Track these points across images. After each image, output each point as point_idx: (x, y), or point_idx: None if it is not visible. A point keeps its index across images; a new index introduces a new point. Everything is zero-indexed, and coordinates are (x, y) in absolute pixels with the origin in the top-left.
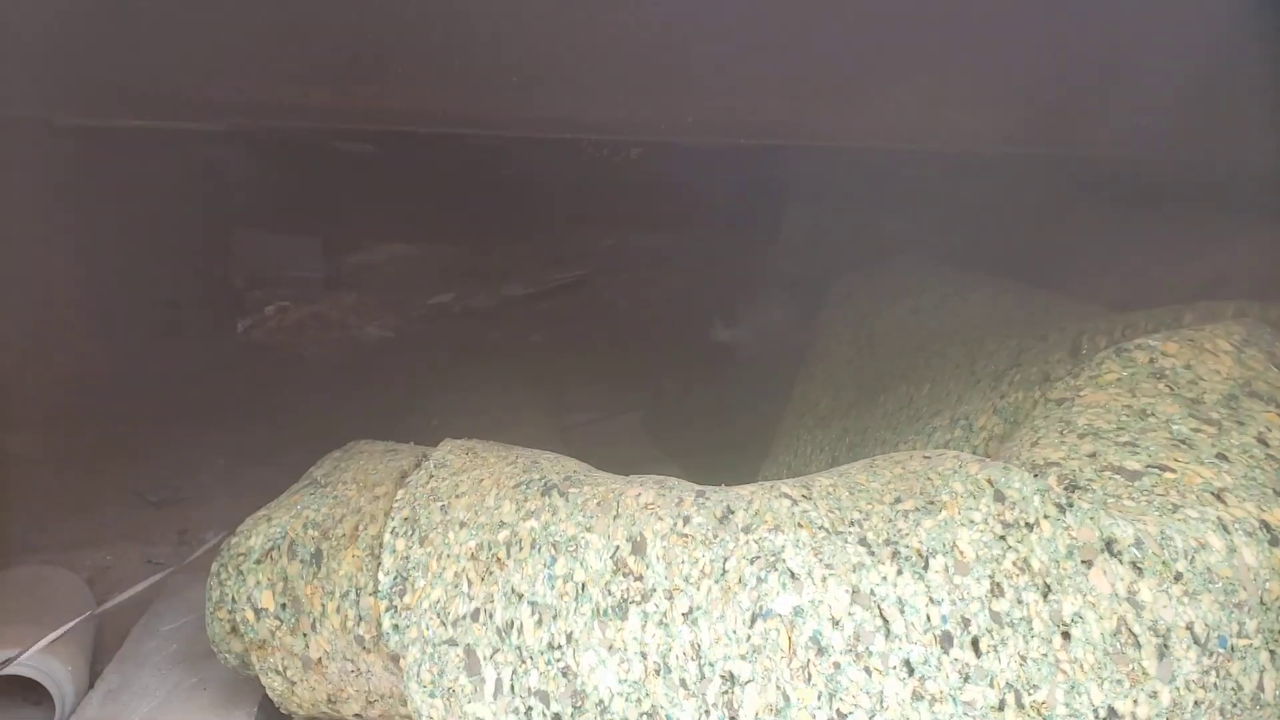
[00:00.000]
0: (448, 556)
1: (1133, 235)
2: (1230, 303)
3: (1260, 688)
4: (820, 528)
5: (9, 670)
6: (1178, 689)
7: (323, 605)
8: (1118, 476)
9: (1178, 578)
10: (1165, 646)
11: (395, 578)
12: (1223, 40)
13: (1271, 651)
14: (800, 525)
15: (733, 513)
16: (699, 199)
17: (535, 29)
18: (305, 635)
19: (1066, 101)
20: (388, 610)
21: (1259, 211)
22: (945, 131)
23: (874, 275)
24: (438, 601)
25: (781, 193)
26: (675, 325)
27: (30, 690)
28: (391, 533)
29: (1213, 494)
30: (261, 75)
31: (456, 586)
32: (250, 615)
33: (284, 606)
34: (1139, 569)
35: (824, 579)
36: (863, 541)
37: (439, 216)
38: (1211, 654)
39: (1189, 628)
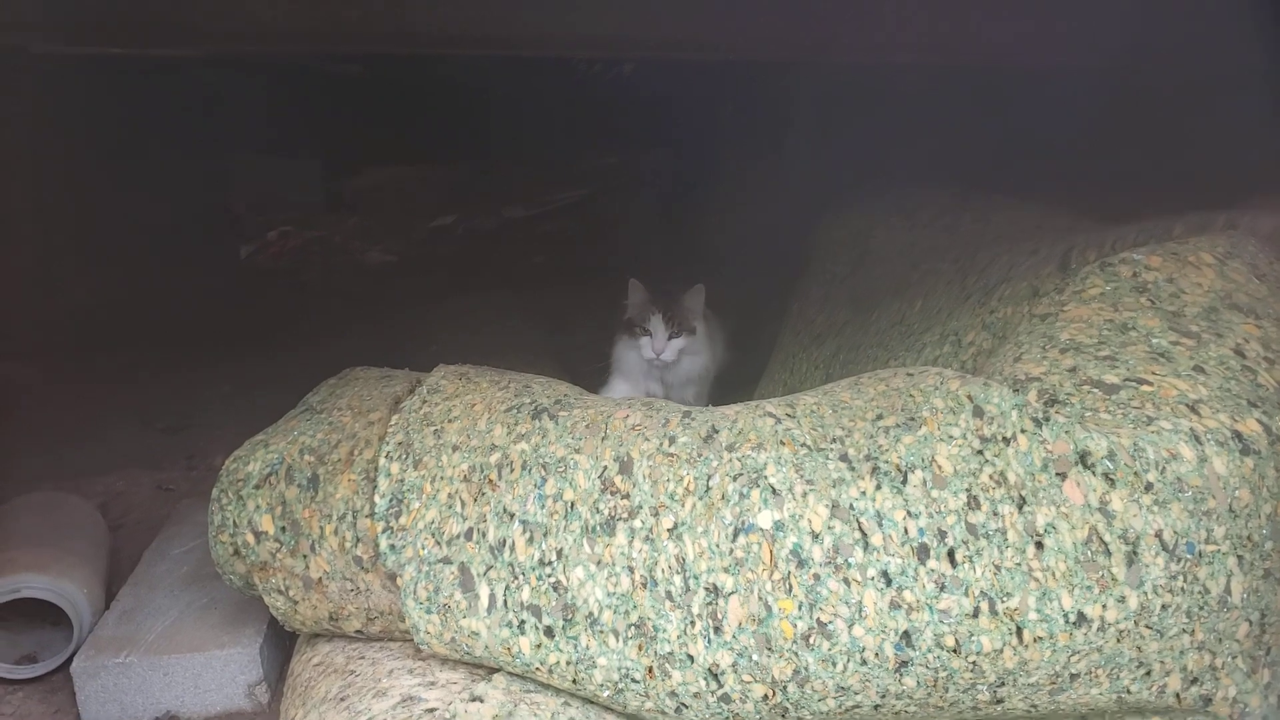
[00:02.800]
0: (441, 479)
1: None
2: (1221, 213)
3: (1227, 591)
4: (802, 445)
5: (29, 594)
6: (1145, 594)
7: (321, 528)
8: (1096, 390)
9: (1148, 488)
10: (1134, 553)
11: (390, 500)
12: None
13: (1239, 557)
14: (783, 443)
15: (717, 432)
16: (695, 116)
17: None
18: (305, 557)
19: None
20: (384, 531)
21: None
22: (960, 44)
23: (874, 191)
24: (432, 522)
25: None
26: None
27: (49, 612)
28: (386, 457)
29: (1188, 405)
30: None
31: (450, 507)
32: (251, 538)
33: (283, 529)
34: (1111, 480)
35: (804, 494)
36: (843, 458)
37: (436, 137)
38: (1180, 560)
39: (1158, 535)
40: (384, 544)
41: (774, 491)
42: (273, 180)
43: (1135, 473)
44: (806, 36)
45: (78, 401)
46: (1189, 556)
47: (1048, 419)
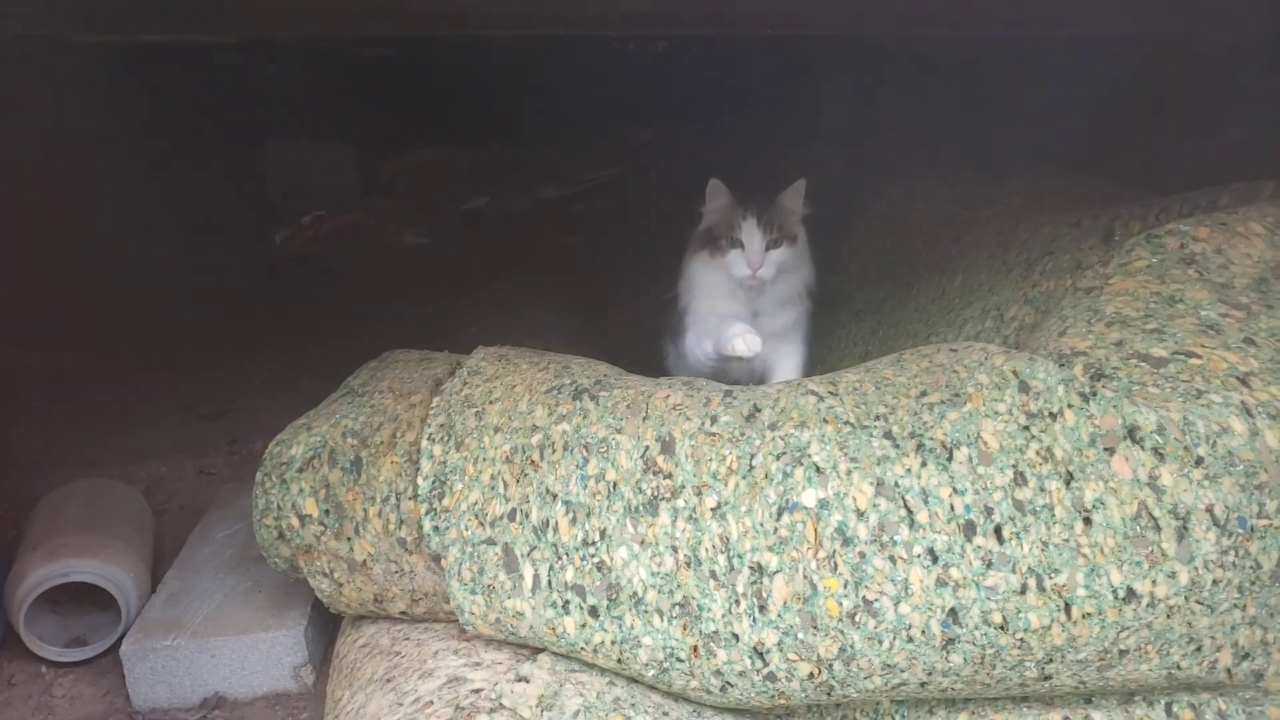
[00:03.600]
0: (483, 460)
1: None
2: (1269, 182)
3: (1279, 566)
4: (846, 423)
5: (78, 578)
6: (1196, 569)
7: (364, 510)
8: (1144, 364)
9: (1199, 462)
10: (1185, 529)
11: (433, 482)
12: None
13: None
14: (826, 421)
15: (759, 411)
16: (732, 92)
17: None
18: (349, 539)
19: None
20: (427, 513)
21: None
22: (998, 14)
23: (914, 167)
24: (475, 503)
25: (822, 85)
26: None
27: (98, 596)
28: (428, 439)
29: (1238, 378)
30: None
31: (493, 489)
32: (295, 522)
33: (327, 513)
34: (1160, 455)
35: (849, 472)
36: (888, 435)
37: (468, 119)
38: (1231, 534)
39: (1209, 510)
40: (427, 525)
41: (818, 470)
42: (306, 165)
43: (1185, 447)
44: (843, 8)
45: (120, 389)
46: (1240, 531)
47: (1095, 393)
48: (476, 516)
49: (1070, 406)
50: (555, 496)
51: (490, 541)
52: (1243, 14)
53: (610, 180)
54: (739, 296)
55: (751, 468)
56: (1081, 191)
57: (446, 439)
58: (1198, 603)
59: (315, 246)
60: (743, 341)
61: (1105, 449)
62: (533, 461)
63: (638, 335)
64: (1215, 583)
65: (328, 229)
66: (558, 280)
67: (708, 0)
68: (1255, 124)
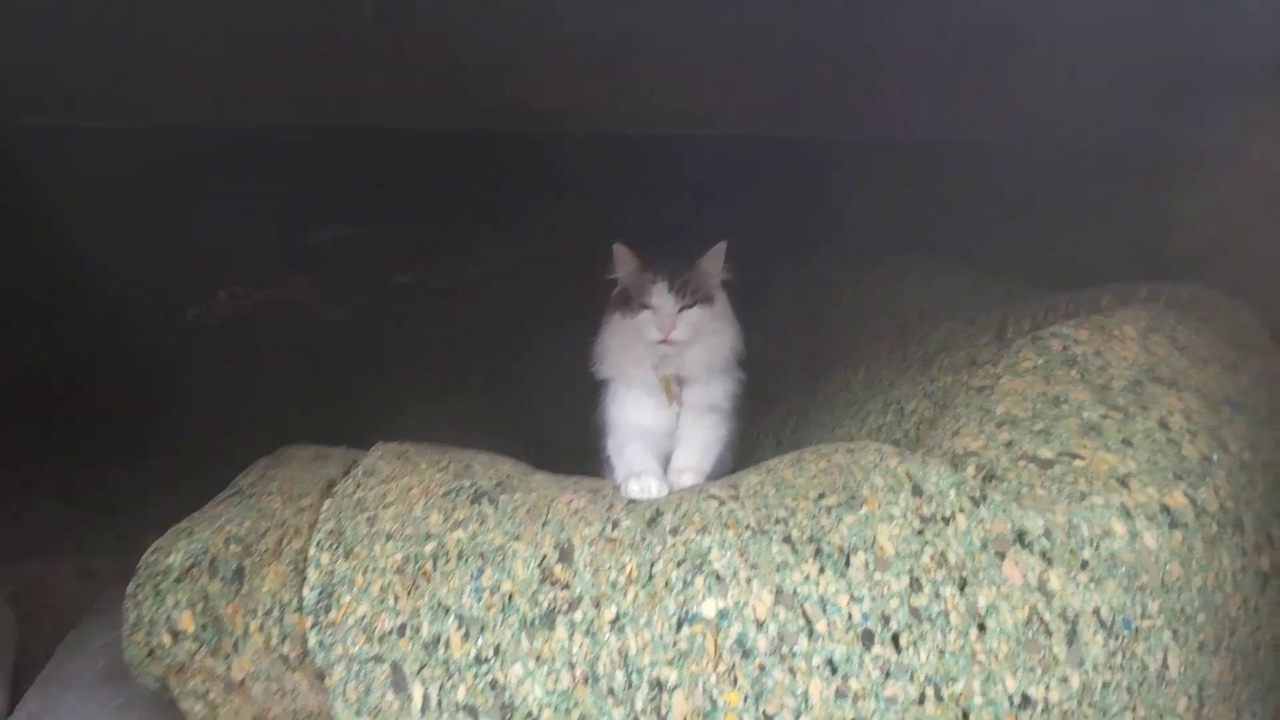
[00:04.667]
0: (374, 570)
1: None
2: (1144, 284)
3: (1165, 665)
4: (746, 527)
5: None
6: (1087, 672)
7: (245, 624)
8: (1032, 465)
9: (1084, 565)
10: (1074, 632)
11: (320, 593)
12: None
13: (1174, 631)
14: (727, 525)
15: (660, 515)
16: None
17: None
18: (227, 656)
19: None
20: (313, 627)
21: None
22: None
23: (824, 257)
24: (364, 617)
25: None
26: None
27: None
28: (316, 546)
29: (1118, 480)
30: (192, 73)
31: (383, 601)
32: (167, 639)
33: (204, 627)
34: (1048, 558)
35: (749, 580)
36: (787, 539)
37: (396, 197)
38: (1118, 636)
39: (1095, 613)
40: (313, 640)
41: (718, 578)
42: (225, 241)
43: (1071, 550)
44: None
45: (1, 477)
46: (1126, 633)
47: (985, 497)
48: (364, 631)
49: (962, 510)
50: (448, 610)
51: (378, 659)
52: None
53: (539, 258)
54: (653, 360)
55: (651, 576)
56: (973, 286)
57: (335, 546)
58: (1090, 706)
59: (231, 323)
60: (637, 485)
61: (996, 553)
62: (425, 572)
63: (564, 414)
64: (1105, 685)
65: (245, 305)
66: (484, 358)
67: (615, 98)
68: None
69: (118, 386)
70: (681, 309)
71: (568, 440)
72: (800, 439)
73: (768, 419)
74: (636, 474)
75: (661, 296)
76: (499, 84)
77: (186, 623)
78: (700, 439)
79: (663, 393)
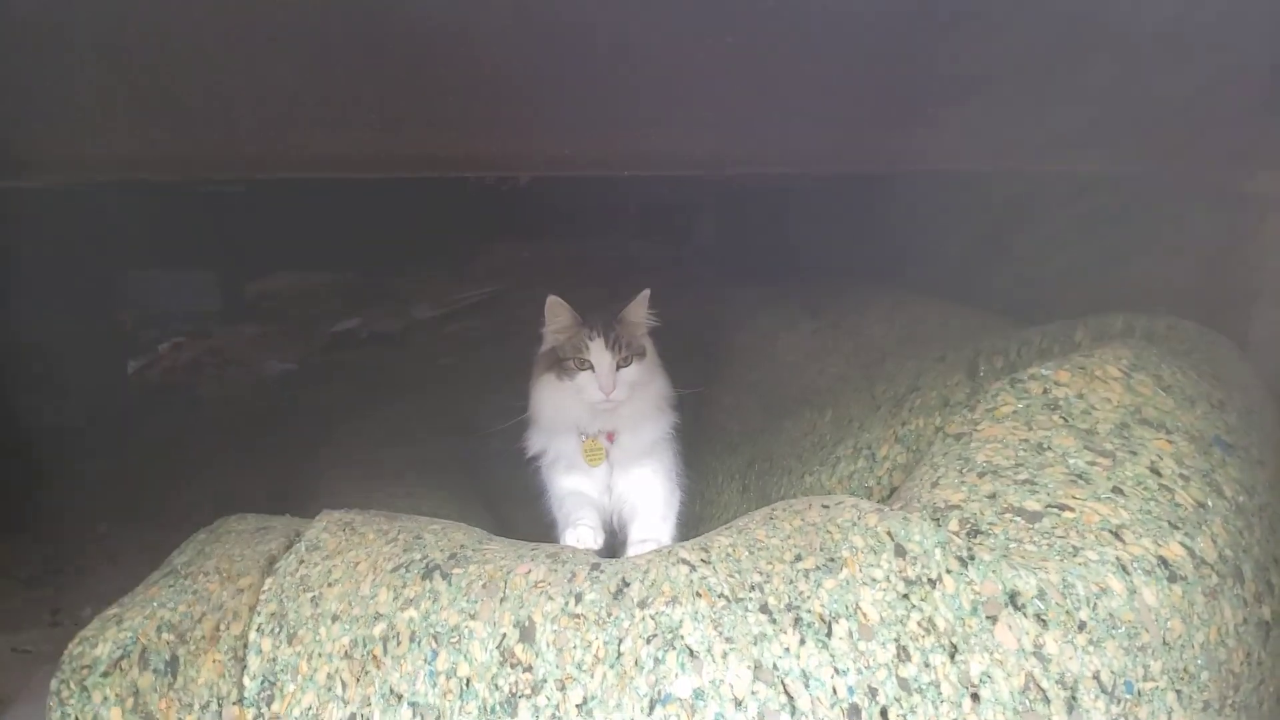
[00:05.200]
0: (319, 656)
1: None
2: (1118, 316)
3: None
4: (720, 595)
5: None
6: None
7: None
8: (1018, 519)
9: (1081, 627)
10: (1074, 699)
11: (262, 683)
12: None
13: (1178, 691)
14: (699, 594)
15: (628, 585)
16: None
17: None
18: None
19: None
20: None
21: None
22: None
23: (778, 291)
24: (309, 708)
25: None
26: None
27: None
28: (257, 630)
29: (1111, 532)
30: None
31: (330, 690)
32: None
33: None
34: (1043, 621)
35: (724, 655)
36: (764, 608)
37: (336, 244)
38: (1119, 701)
39: (1095, 677)
40: None
41: (691, 654)
42: (164, 292)
43: (1067, 611)
44: (701, 154)
45: None
46: (1129, 696)
47: (973, 557)
48: None
49: (949, 572)
50: (400, 698)
51: None
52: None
53: (487, 299)
54: (588, 420)
55: (620, 654)
56: (941, 318)
57: (278, 631)
58: None
59: (174, 376)
60: (573, 535)
61: (988, 617)
62: (375, 656)
63: (516, 456)
64: None
65: (187, 357)
66: (432, 402)
67: (559, 144)
68: None
69: (55, 444)
70: (619, 366)
71: (521, 482)
72: (767, 485)
73: (731, 461)
74: (572, 524)
75: (600, 355)
76: (438, 135)
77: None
78: (655, 499)
79: (584, 455)
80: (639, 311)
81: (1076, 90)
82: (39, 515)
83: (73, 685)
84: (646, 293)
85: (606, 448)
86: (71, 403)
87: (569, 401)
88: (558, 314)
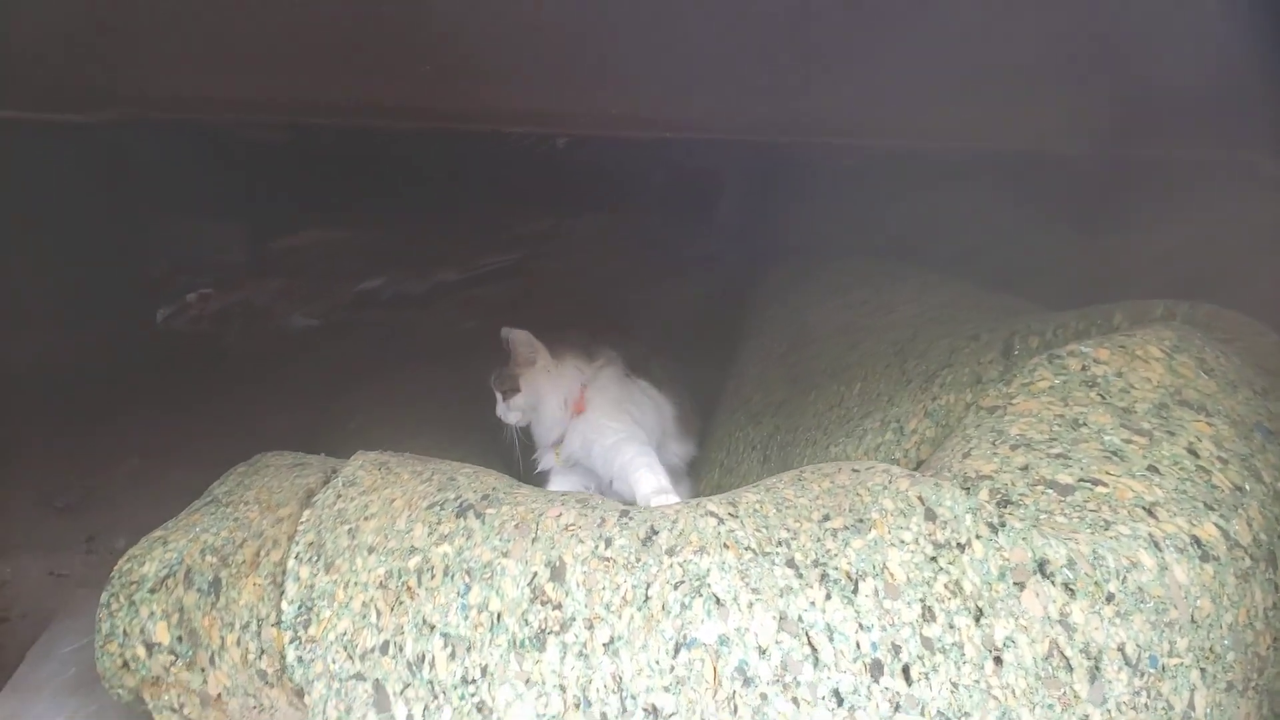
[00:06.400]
0: (355, 585)
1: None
2: (1158, 302)
3: (1191, 706)
4: (747, 548)
5: None
6: (1109, 711)
7: (222, 637)
8: (1050, 491)
9: (1110, 598)
10: (1097, 669)
11: (299, 607)
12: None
13: (1202, 670)
14: (726, 546)
15: (656, 533)
16: (635, 186)
17: (449, 18)
18: (203, 670)
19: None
20: (291, 642)
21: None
22: (884, 126)
23: (808, 268)
24: (344, 633)
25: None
26: (611, 306)
27: None
28: (296, 558)
29: (1144, 509)
30: (160, 67)
31: (364, 617)
32: (142, 651)
33: (180, 639)
34: (1071, 590)
35: (750, 605)
36: (790, 563)
37: (365, 201)
38: (1143, 674)
39: (1120, 649)
40: (291, 656)
41: (718, 601)
42: (194, 242)
43: (1096, 582)
44: (738, 119)
45: None
46: (1152, 671)
47: (1004, 524)
48: (345, 648)
49: (979, 537)
50: (433, 628)
51: (360, 677)
52: None
53: (510, 266)
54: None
55: (648, 598)
56: (973, 301)
57: (315, 559)
58: None
59: (200, 325)
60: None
61: (1015, 583)
62: (409, 588)
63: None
64: None
65: (214, 308)
66: (452, 366)
67: (603, 102)
68: None
69: (90, 386)
70: (504, 395)
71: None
72: (789, 456)
73: (753, 432)
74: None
75: (493, 390)
76: (476, 87)
77: (161, 634)
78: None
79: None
80: (520, 351)
81: None
82: (73, 447)
83: (121, 599)
84: (519, 333)
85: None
86: (103, 346)
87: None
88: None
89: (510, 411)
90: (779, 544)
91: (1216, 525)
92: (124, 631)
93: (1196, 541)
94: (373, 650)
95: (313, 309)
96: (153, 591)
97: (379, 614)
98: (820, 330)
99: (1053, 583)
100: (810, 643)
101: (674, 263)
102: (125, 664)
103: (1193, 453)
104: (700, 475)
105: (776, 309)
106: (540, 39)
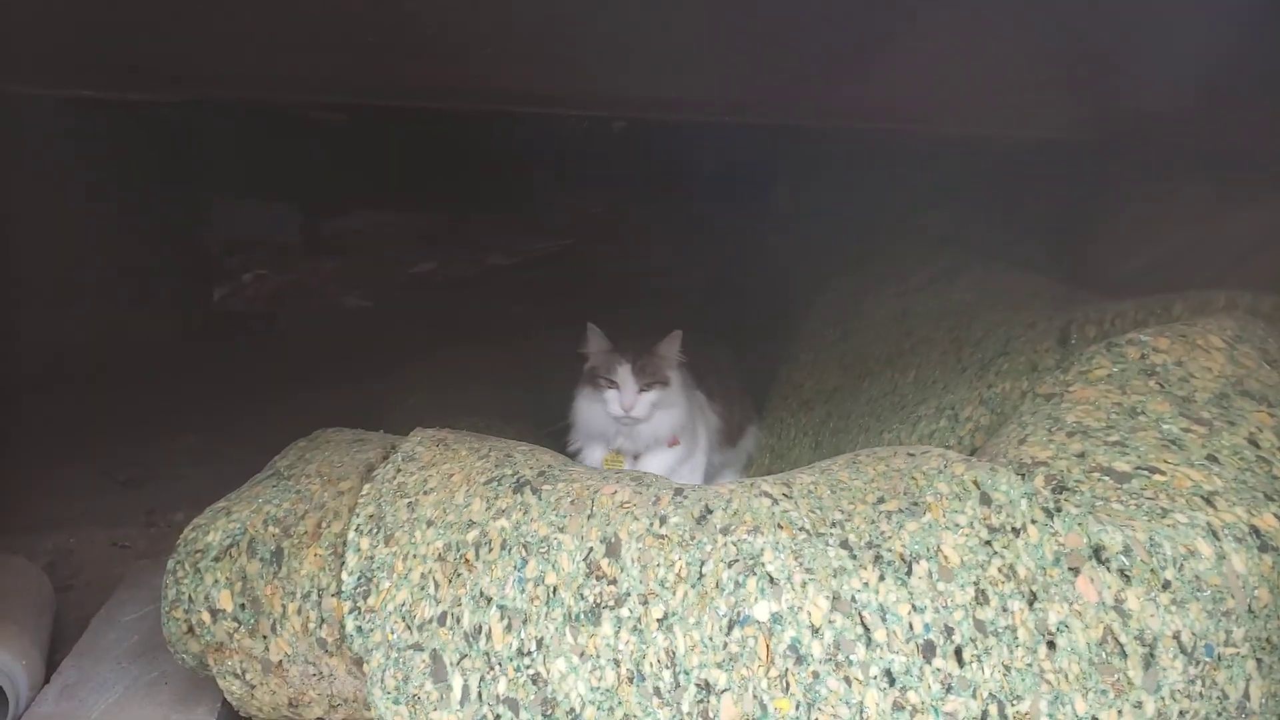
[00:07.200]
0: (414, 557)
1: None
2: (1221, 293)
3: (1246, 696)
4: (801, 529)
5: None
6: (1163, 699)
7: (283, 606)
8: (1107, 478)
9: (1166, 586)
10: (1151, 656)
11: (359, 578)
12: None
13: (1259, 660)
14: (780, 526)
15: (711, 513)
16: (687, 173)
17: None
18: (265, 637)
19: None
20: (351, 612)
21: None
22: (949, 113)
23: (861, 255)
24: (403, 604)
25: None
26: (661, 296)
27: None
28: (356, 530)
29: (1202, 498)
30: (224, 45)
31: (423, 588)
32: (207, 616)
33: (243, 607)
34: (1127, 577)
35: (804, 584)
36: (844, 544)
37: (419, 184)
38: (1198, 663)
39: (1176, 637)
40: (350, 625)
41: (771, 580)
42: (250, 222)
43: (1152, 570)
44: (794, 102)
45: (36, 450)
46: (1208, 659)
47: (1059, 509)
48: (404, 618)
49: (1034, 522)
50: (490, 600)
51: (417, 647)
52: None
53: (561, 251)
54: (620, 430)
55: (701, 575)
56: (1032, 289)
57: (375, 532)
58: None
59: (255, 305)
60: None
61: (1070, 569)
62: (467, 560)
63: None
64: (1182, 714)
65: (268, 288)
66: (503, 350)
67: (662, 86)
68: None
69: (150, 363)
70: (641, 389)
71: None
72: (841, 442)
73: (805, 418)
74: None
75: (625, 377)
76: (532, 70)
77: (225, 602)
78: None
79: (605, 466)
80: (668, 348)
81: None
82: (134, 423)
83: (187, 566)
84: (678, 333)
85: (628, 465)
86: (162, 323)
87: (598, 412)
88: (595, 338)
89: (640, 406)
90: (833, 525)
91: (1276, 516)
92: (189, 598)
93: (1255, 531)
94: (430, 621)
95: (365, 291)
96: (217, 560)
97: (437, 586)
98: (874, 317)
99: (1108, 569)
100: (863, 623)
101: (725, 250)
102: (190, 629)
103: (1253, 443)
104: (751, 460)
105: (830, 296)
106: (599, 18)
